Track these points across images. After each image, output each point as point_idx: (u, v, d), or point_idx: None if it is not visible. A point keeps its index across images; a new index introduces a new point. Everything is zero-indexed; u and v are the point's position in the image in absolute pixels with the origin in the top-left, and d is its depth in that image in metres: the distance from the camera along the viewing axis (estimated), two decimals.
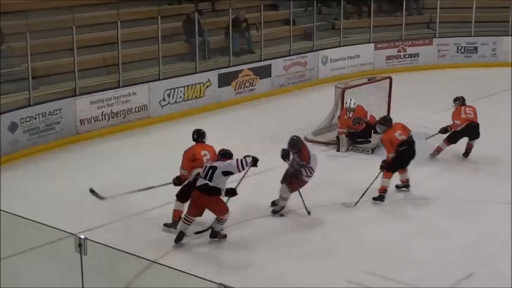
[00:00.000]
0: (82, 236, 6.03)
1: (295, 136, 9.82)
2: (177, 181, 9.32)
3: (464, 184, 11.07)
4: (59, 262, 6.97)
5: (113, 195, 9.63)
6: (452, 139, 11.95)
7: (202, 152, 9.20)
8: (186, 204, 9.32)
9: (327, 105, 13.56)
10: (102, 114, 13.63)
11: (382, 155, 12.09)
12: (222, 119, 14.77)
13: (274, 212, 9.81)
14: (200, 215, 8.93)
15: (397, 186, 10.65)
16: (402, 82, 15.44)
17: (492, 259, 8.50)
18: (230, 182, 8.94)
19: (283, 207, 9.82)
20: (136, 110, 14.24)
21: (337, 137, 12.66)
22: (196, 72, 15.48)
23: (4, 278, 6.80)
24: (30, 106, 12.52)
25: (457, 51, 19.77)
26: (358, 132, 12.54)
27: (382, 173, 10.29)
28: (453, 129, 11.90)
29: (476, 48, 19.72)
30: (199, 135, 9.46)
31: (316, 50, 18.15)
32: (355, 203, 10.08)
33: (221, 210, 8.82)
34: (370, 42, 19.20)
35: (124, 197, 10.01)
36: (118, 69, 14.11)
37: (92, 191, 9.65)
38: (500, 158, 12.06)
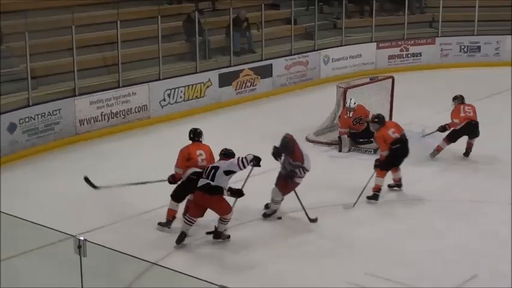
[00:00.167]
0: (81, 238, 6.03)
1: (286, 136, 9.66)
2: (172, 179, 9.37)
3: (463, 184, 11.09)
4: (58, 264, 6.97)
5: (106, 186, 9.79)
6: (452, 138, 11.96)
7: (198, 152, 9.24)
8: (181, 205, 9.41)
9: (329, 105, 13.55)
10: (101, 115, 13.63)
11: None
12: (222, 119, 14.76)
13: (266, 216, 9.71)
14: (202, 215, 8.93)
15: (389, 186, 10.68)
16: (404, 82, 15.42)
17: (492, 259, 8.52)
18: (233, 182, 8.94)
19: (275, 211, 9.73)
20: (136, 110, 14.24)
21: (339, 137, 12.66)
22: (196, 72, 15.47)
23: (3, 279, 6.81)
24: (29, 106, 12.53)
25: (460, 51, 19.75)
26: (360, 132, 12.53)
27: (373, 174, 10.31)
28: (451, 128, 11.92)
29: (479, 48, 19.70)
30: (195, 135, 9.49)
31: (317, 50, 18.15)
32: (354, 204, 10.09)
33: (224, 210, 8.82)
34: (372, 42, 19.19)
35: (123, 198, 10.06)
36: (118, 69, 14.11)
37: (86, 179, 9.79)
38: (500, 157, 12.07)
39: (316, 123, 13.55)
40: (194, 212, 8.85)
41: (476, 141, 12.01)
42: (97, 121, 13.54)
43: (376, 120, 10.66)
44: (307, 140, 13.25)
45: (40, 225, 6.76)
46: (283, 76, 17.29)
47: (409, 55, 19.56)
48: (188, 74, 15.35)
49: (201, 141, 9.46)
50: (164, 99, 14.75)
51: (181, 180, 9.31)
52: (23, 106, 12.51)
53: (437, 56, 19.68)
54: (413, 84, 16.99)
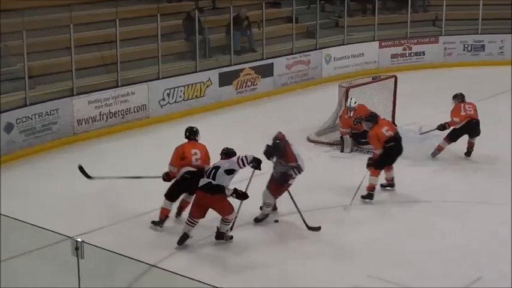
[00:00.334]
0: (79, 239, 6.01)
1: (278, 136, 9.45)
2: (166, 177, 9.43)
3: (464, 184, 11.11)
4: (55, 266, 6.96)
5: (100, 176, 9.89)
6: (452, 137, 11.96)
7: (193, 151, 9.27)
8: (174, 204, 9.47)
9: (331, 105, 13.53)
10: (100, 115, 13.62)
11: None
12: (222, 119, 14.76)
13: (257, 220, 9.58)
14: (203, 216, 8.93)
15: (382, 186, 10.69)
16: (408, 81, 15.41)
17: (492, 259, 8.54)
18: (234, 183, 8.93)
19: (267, 215, 9.62)
20: (135, 110, 14.23)
21: (341, 138, 12.64)
22: (196, 71, 15.47)
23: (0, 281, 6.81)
24: (26, 106, 12.53)
25: (464, 49, 19.75)
26: (362, 132, 12.50)
27: (367, 173, 10.34)
28: (451, 127, 11.92)
29: (483, 46, 19.69)
30: (191, 133, 9.53)
31: (319, 49, 18.14)
32: (349, 204, 10.09)
33: (226, 210, 8.82)
34: (374, 40, 19.19)
35: (123, 199, 10.09)
36: (116, 68, 14.10)
37: (80, 168, 9.86)
38: (501, 157, 12.07)
39: (318, 123, 13.53)
40: (196, 212, 8.85)
41: (478, 141, 12.02)
42: (95, 121, 13.53)
43: (369, 118, 10.70)
44: (309, 140, 13.24)
45: (37, 226, 6.75)
46: (284, 75, 17.28)
47: (412, 54, 19.55)
48: (188, 73, 15.34)
49: (197, 140, 9.50)
50: (163, 99, 14.74)
51: (175, 179, 9.35)
52: (20, 106, 12.50)
53: (440, 55, 19.68)
54: (416, 84, 16.99)
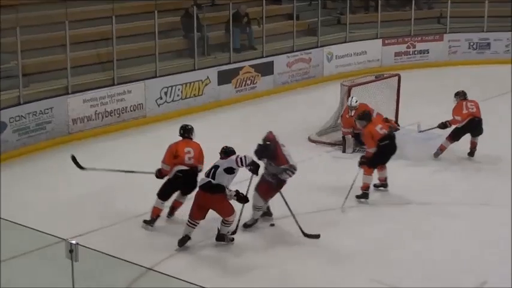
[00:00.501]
0: (73, 241, 6.01)
1: (268, 136, 9.37)
2: (158, 174, 9.47)
3: (464, 184, 11.14)
4: (49, 269, 6.95)
5: (92, 168, 10.06)
6: (455, 136, 11.97)
7: (186, 149, 9.32)
8: (167, 203, 9.52)
9: (332, 104, 13.53)
10: (95, 114, 13.61)
11: (393, 157, 12.10)
12: (221, 119, 14.76)
13: (246, 226, 9.44)
14: (203, 217, 8.94)
15: (375, 186, 10.71)
16: (411, 79, 15.39)
17: (493, 260, 8.60)
18: (234, 183, 8.93)
19: (256, 220, 9.52)
20: (132, 109, 14.22)
21: (343, 138, 12.63)
22: (194, 69, 15.47)
23: None
24: (20, 105, 12.52)
25: (469, 48, 19.74)
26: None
27: (359, 172, 10.35)
28: (452, 125, 11.94)
29: (489, 44, 19.69)
30: (185, 131, 9.58)
31: (320, 46, 18.14)
32: (342, 205, 10.10)
33: (226, 211, 8.82)
34: (377, 38, 19.18)
35: (120, 200, 10.13)
36: (112, 66, 14.09)
37: (73, 158, 10.00)
38: (504, 157, 12.06)
39: (319, 122, 13.52)
40: (196, 214, 8.86)
41: (481, 141, 12.03)
42: (91, 120, 13.52)
43: (362, 116, 10.72)
44: (310, 140, 13.23)
45: (30, 228, 6.75)
46: (284, 74, 17.27)
47: (416, 52, 19.54)
48: (186, 72, 15.33)
49: (191, 139, 9.54)
50: (161, 98, 14.73)
51: (167, 177, 9.40)
52: (14, 104, 12.49)
53: (445, 53, 19.67)
54: (420, 83, 16.98)
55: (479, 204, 10.22)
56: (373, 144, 10.33)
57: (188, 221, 8.90)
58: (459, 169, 11.77)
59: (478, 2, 19.76)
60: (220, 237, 9.02)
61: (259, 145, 9.30)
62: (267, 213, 9.66)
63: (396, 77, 13.63)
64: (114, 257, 6.32)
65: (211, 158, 9.16)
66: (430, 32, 19.79)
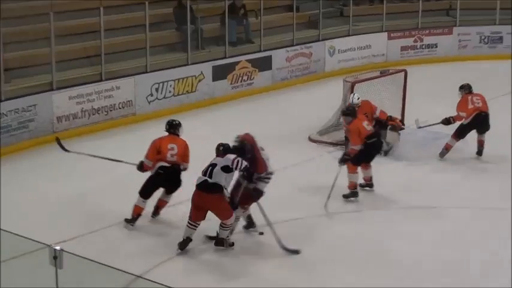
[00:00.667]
0: (57, 247, 6.00)
1: (245, 138, 9.18)
2: (140, 167, 9.61)
3: (463, 185, 11.26)
4: (32, 276, 6.94)
5: (77, 151, 10.54)
6: (460, 133, 12.03)
7: (169, 146, 9.44)
8: (149, 201, 9.59)
9: (334, 102, 13.54)
10: (81, 111, 13.61)
11: (395, 158, 12.14)
12: (216, 116, 14.77)
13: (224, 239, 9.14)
14: (203, 218, 8.96)
15: (360, 186, 10.77)
16: (419, 75, 15.41)
17: (493, 262, 8.76)
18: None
19: (232, 230, 9.21)
20: (121, 106, 14.23)
21: (346, 137, 12.62)
22: (187, 64, 15.48)
23: None
24: (1, 101, 12.50)
25: (480, 41, 19.79)
26: (377, 131, 12.48)
27: (342, 168, 10.37)
28: (456, 121, 12.00)
29: (501, 38, 19.74)
30: (171, 127, 9.70)
31: (322, 40, 18.18)
32: (325, 205, 10.14)
33: (224, 213, 8.83)
34: (382, 31, 19.24)
35: (110, 202, 10.16)
36: (100, 61, 14.11)
37: (57, 139, 10.32)
38: (506, 157, 12.13)
39: (320, 121, 13.54)
40: (194, 215, 8.88)
41: (489, 139, 12.09)
42: (76, 118, 13.52)
43: (348, 112, 10.76)
44: (310, 139, 13.25)
45: (11, 233, 6.75)
46: (283, 69, 17.29)
47: (423, 46, 19.58)
48: (178, 67, 15.36)
49: (177, 135, 9.65)
50: (151, 94, 14.74)
51: (150, 175, 9.53)
52: None
53: (454, 47, 19.72)
54: (428, 79, 17.01)
55: (480, 206, 10.31)
56: (359, 141, 10.39)
57: (188, 222, 8.93)
58: (465, 169, 11.87)
59: None
60: (219, 242, 9.02)
61: (233, 147, 9.05)
62: (250, 225, 9.50)
63: (402, 73, 13.64)
64: (101, 264, 6.32)
65: (205, 158, 9.17)
66: (438, 24, 19.83)
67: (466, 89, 12.16)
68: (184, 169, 9.59)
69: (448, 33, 19.71)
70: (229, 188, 8.98)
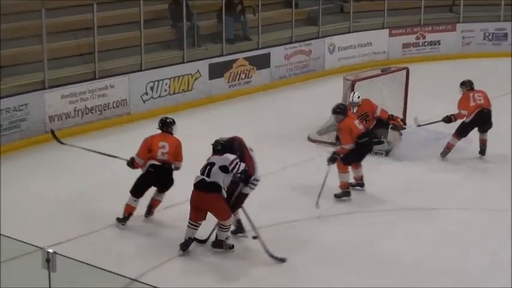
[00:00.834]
0: (50, 250, 6.01)
1: (235, 138, 9.12)
2: (130, 162, 9.76)
3: (463, 185, 11.33)
4: (23, 281, 6.95)
5: (71, 144, 10.78)
6: (462, 132, 12.07)
7: (160, 144, 9.54)
8: (141, 200, 9.65)
9: (334, 100, 13.44)
10: (75, 110, 13.63)
11: (396, 158, 12.18)
12: (213, 116, 14.79)
13: (214, 245, 9.09)
14: (204, 218, 8.98)
15: (351, 185, 10.82)
16: (421, 74, 15.46)
17: (492, 261, 8.87)
18: None
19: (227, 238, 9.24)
20: (115, 105, 14.25)
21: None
22: (183, 62, 15.51)
23: None
24: None
25: (484, 38, 19.83)
26: (369, 131, 12.51)
27: (330, 168, 10.40)
28: (458, 120, 12.04)
29: (505, 35, 19.78)
30: (164, 124, 9.80)
31: (322, 37, 18.20)
32: (316, 203, 10.18)
33: (222, 214, 8.84)
34: (384, 28, 19.26)
35: (105, 204, 10.22)
36: (94, 59, 14.11)
37: (52, 132, 10.46)
38: (509, 157, 12.20)
39: (320, 120, 13.56)
40: (194, 215, 8.92)
41: (493, 138, 12.13)
42: (69, 117, 13.54)
43: (339, 110, 10.78)
44: (310, 139, 13.27)
45: (3, 235, 6.74)
46: (282, 67, 17.31)
47: (426, 43, 19.61)
48: (174, 64, 15.37)
49: (170, 132, 9.73)
50: (146, 93, 14.76)
51: (141, 173, 9.62)
52: None
53: (458, 44, 19.75)
54: (430, 77, 17.03)
55: (480, 206, 10.39)
56: (351, 140, 10.44)
57: (189, 222, 8.97)
58: (464, 169, 11.93)
59: None
60: (218, 244, 9.04)
61: (221, 145, 8.99)
62: (239, 230, 9.45)
63: (404, 71, 13.67)
64: (95, 267, 6.33)
65: (202, 157, 9.20)
66: (441, 21, 19.87)
67: (467, 85, 12.19)
68: (177, 168, 9.67)
69: (451, 30, 19.75)
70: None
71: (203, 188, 8.74)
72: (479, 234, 9.55)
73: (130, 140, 13.18)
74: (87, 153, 12.43)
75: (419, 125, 12.82)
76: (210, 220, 9.00)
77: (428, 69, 17.84)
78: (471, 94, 12.03)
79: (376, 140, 12.52)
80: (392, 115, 12.31)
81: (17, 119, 12.76)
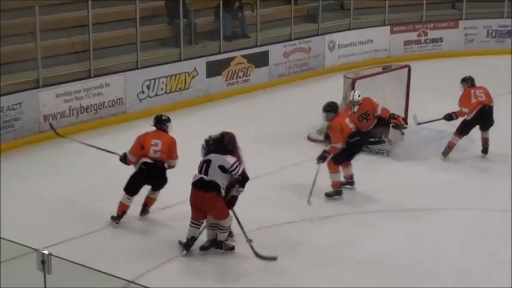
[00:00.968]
0: (45, 252, 6.03)
1: (227, 134, 9.10)
2: (122, 158, 9.86)
3: (463, 185, 11.37)
4: (18, 283, 6.97)
5: (69, 138, 11.29)
6: (463, 130, 12.10)
7: (153, 141, 9.62)
8: (135, 199, 9.70)
9: (334, 99, 13.41)
10: (69, 109, 13.64)
11: (396, 157, 12.20)
12: (210, 114, 14.80)
13: (203, 249, 9.08)
14: (205, 216, 9.01)
15: (341, 184, 10.86)
16: (423, 71, 15.48)
17: (492, 261, 8.93)
18: None
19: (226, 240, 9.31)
20: (110, 104, 14.26)
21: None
22: (180, 60, 15.52)
23: None
24: None
25: (487, 36, 19.85)
26: (370, 130, 12.55)
27: (320, 166, 10.43)
28: (459, 117, 12.07)
29: (509, 32, 19.79)
30: (158, 122, 9.87)
31: (321, 34, 18.22)
32: (308, 202, 10.24)
33: (219, 214, 8.85)
34: (385, 25, 19.27)
35: (98, 205, 10.27)
36: (89, 57, 14.12)
37: (50, 125, 10.84)
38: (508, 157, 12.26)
39: (320, 119, 13.46)
40: (195, 215, 8.95)
41: (495, 137, 12.15)
42: (64, 117, 13.55)
43: (329, 108, 10.76)
44: (309, 139, 13.29)
45: None
46: (281, 65, 17.33)
47: (428, 41, 19.64)
48: (171, 62, 15.39)
49: (164, 130, 9.79)
50: (143, 92, 14.78)
51: (134, 171, 9.70)
52: None
53: (460, 41, 19.77)
54: (432, 75, 17.06)
55: (481, 206, 10.44)
56: (342, 139, 10.46)
57: (191, 221, 9.00)
58: (465, 169, 11.99)
59: None
60: (218, 245, 9.07)
61: (212, 140, 8.99)
62: (228, 234, 9.35)
63: (406, 69, 13.67)
64: (91, 268, 6.35)
65: (199, 157, 9.20)
66: (443, 18, 19.88)
67: (468, 82, 12.21)
68: (170, 166, 9.73)
69: (453, 27, 19.77)
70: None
71: (201, 186, 8.75)
72: (480, 234, 9.60)
73: (126, 140, 13.19)
74: (82, 153, 12.50)
75: (418, 123, 12.85)
76: None
77: (430, 67, 17.86)
78: (472, 91, 12.06)
79: (376, 139, 12.59)
80: (393, 114, 12.34)
81: (11, 118, 12.76)
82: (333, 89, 14.19)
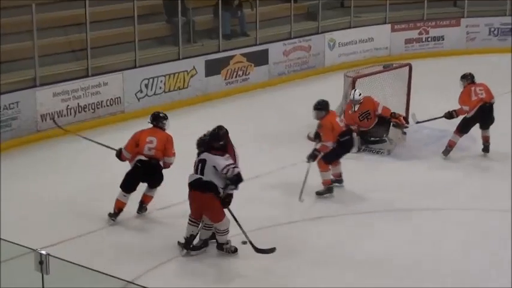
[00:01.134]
0: (43, 252, 6.07)
1: (221, 128, 9.05)
2: (118, 154, 9.97)
3: (463, 185, 11.42)
4: (16, 284, 7.00)
5: (71, 132, 11.51)
6: (463, 128, 12.14)
7: (148, 138, 9.70)
8: (132, 196, 9.78)
9: (335, 98, 13.57)
10: (67, 109, 13.67)
11: (397, 157, 12.24)
12: (209, 114, 14.79)
13: (195, 249, 9.13)
14: (202, 216, 9.04)
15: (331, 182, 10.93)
16: (424, 70, 15.50)
17: (492, 261, 9.01)
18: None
19: (205, 241, 9.31)
20: (108, 103, 14.29)
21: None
22: (179, 59, 15.53)
23: None
24: None
25: (489, 34, 19.85)
26: (371, 129, 12.59)
27: (311, 165, 10.49)
28: (459, 115, 12.09)
29: (511, 30, 19.76)
30: (155, 119, 9.95)
31: (321, 32, 18.23)
32: (299, 199, 10.31)
33: (215, 216, 8.89)
34: (386, 23, 19.28)
35: (96, 205, 10.32)
36: (86, 55, 14.14)
37: (52, 119, 11.15)
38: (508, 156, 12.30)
39: None
40: (194, 213, 9.00)
41: (496, 136, 12.18)
42: (62, 116, 13.56)
43: (320, 106, 10.82)
44: (309, 138, 13.30)
45: None
46: (281, 63, 17.36)
47: (429, 39, 19.65)
48: (169, 61, 15.41)
49: (161, 127, 9.85)
50: (141, 91, 14.81)
51: (130, 168, 9.80)
52: None
53: (462, 40, 19.78)
54: (434, 73, 17.07)
55: (481, 206, 10.51)
56: (332, 138, 10.52)
57: (189, 219, 9.04)
58: (465, 168, 12.04)
59: None
60: (219, 247, 9.12)
61: (207, 137, 9.00)
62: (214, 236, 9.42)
63: (407, 67, 13.68)
64: (89, 268, 6.39)
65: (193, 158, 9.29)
66: (445, 16, 19.89)
67: (468, 79, 12.24)
68: (166, 164, 9.78)
69: (455, 25, 19.79)
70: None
71: (198, 187, 8.78)
72: (480, 234, 9.66)
73: (124, 139, 13.24)
74: (81, 153, 12.57)
75: (417, 122, 12.89)
76: None
77: (432, 65, 17.87)
78: (472, 88, 12.09)
79: (377, 138, 12.63)
80: (394, 113, 12.38)
81: (8, 117, 12.78)
82: (333, 88, 14.21)
